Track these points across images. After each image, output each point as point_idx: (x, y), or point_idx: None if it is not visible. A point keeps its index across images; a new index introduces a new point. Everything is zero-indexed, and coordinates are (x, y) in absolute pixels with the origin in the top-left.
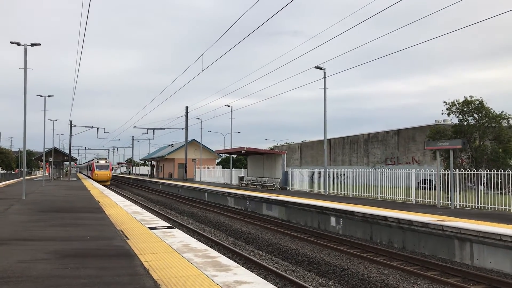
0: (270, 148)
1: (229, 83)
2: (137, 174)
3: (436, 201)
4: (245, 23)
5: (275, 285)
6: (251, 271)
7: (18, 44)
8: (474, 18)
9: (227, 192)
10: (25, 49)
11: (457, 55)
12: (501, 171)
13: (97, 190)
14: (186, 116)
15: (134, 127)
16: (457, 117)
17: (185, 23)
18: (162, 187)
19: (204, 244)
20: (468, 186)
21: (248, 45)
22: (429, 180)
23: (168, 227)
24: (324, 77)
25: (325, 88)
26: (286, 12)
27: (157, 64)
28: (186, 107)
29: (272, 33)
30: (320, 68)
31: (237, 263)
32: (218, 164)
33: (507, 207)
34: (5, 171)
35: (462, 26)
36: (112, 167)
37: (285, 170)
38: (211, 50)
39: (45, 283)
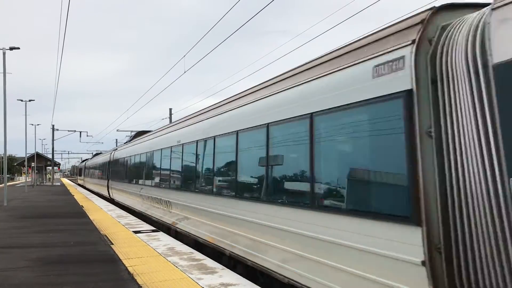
0: None
1: (215, 83)
2: None
3: None
4: (231, 23)
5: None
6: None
7: None
8: None
9: None
10: (4, 53)
11: None
12: None
13: (80, 194)
14: (170, 118)
15: (117, 130)
16: None
17: (169, 25)
18: None
19: (190, 247)
20: None
21: (235, 45)
22: None
23: (153, 231)
24: None
25: None
26: (273, 12)
27: (141, 66)
28: (170, 109)
29: (259, 33)
30: None
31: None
32: None
33: None
34: None
35: None
36: None
37: None
38: (195, 51)
39: None
